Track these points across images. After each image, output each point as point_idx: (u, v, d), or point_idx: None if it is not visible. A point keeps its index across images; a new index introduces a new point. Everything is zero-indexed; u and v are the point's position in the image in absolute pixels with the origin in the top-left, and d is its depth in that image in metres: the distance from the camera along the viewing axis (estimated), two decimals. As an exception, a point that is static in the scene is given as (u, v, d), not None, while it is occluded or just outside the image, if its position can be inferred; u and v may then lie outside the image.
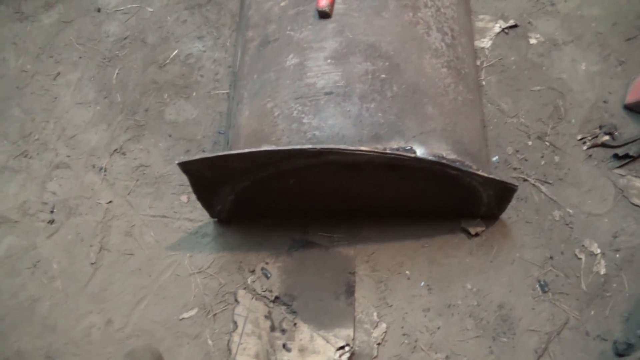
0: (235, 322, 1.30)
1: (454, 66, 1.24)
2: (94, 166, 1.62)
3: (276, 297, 1.34)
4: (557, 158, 1.48)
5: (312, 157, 1.05)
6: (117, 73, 1.76)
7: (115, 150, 1.64)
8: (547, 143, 1.50)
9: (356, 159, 1.05)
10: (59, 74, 1.78)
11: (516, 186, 1.20)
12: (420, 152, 1.08)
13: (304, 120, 1.13)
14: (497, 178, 1.15)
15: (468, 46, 1.34)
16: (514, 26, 1.68)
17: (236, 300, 1.36)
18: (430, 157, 1.07)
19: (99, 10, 1.89)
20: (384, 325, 1.32)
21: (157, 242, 1.50)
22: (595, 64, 1.60)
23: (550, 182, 1.45)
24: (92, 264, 1.48)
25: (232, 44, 1.76)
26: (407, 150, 1.06)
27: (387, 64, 1.16)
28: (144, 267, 1.47)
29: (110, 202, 1.56)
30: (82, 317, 1.42)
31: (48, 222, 1.55)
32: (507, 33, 1.68)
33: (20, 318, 1.44)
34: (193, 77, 1.74)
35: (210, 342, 1.35)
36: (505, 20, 1.69)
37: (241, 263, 1.44)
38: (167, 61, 1.77)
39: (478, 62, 1.63)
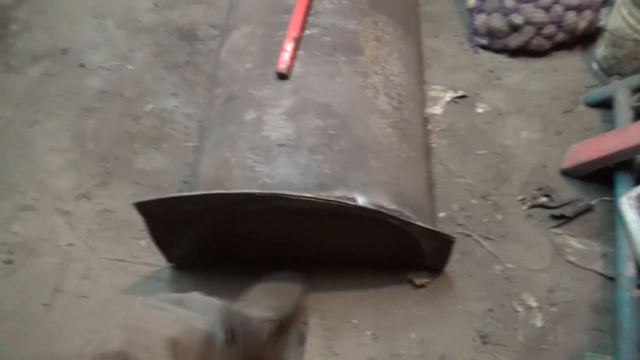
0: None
1: (399, 127, 1.36)
2: (58, 209, 1.67)
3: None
4: (499, 216, 1.58)
5: (260, 201, 1.13)
6: (93, 123, 1.86)
7: (82, 194, 1.70)
8: (490, 202, 1.60)
9: (302, 205, 1.13)
10: (36, 122, 1.87)
11: (454, 238, 1.28)
12: (361, 201, 1.17)
13: (257, 169, 1.21)
14: (435, 229, 1.23)
15: (415, 110, 1.48)
16: (464, 96, 1.85)
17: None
18: (370, 206, 1.16)
19: (82, 66, 2.02)
20: (329, 373, 1.34)
21: (113, 286, 1.52)
22: (536, 133, 1.75)
23: (492, 238, 1.54)
24: (44, 305, 1.49)
25: (204, 102, 1.89)
26: (349, 199, 1.15)
27: (336, 121, 1.28)
28: (96, 311, 1.48)
29: (71, 244, 1.60)
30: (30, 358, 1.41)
31: (5, 262, 1.57)
32: (457, 102, 1.84)
33: (-35, 359, 1.42)
34: (165, 130, 1.84)
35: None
36: (456, 90, 1.86)
37: (194, 308, 1.46)
38: (142, 114, 1.88)
39: (430, 127, 1.77)
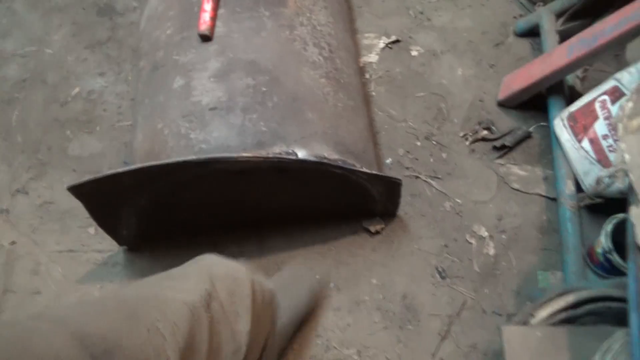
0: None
1: (333, 76, 1.34)
2: (-6, 209, 1.58)
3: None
4: (444, 155, 1.61)
5: (199, 167, 1.10)
6: (17, 114, 1.75)
7: (17, 190, 1.61)
8: (434, 142, 1.63)
9: (242, 166, 1.11)
10: (-46, 120, 1.75)
11: (399, 180, 1.29)
12: (302, 154, 1.16)
13: (191, 136, 1.18)
14: (379, 173, 1.24)
15: (347, 59, 1.46)
16: (397, 41, 1.84)
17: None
18: (312, 158, 1.15)
19: (-5, 55, 1.88)
20: (296, 329, 1.35)
21: (65, 277, 1.47)
22: (470, 69, 1.77)
23: (440, 177, 1.57)
24: (-5, 308, 1.43)
25: (133, 77, 1.80)
26: (289, 154, 1.14)
27: (267, 77, 1.24)
28: (51, 304, 1.43)
29: (14, 242, 1.53)
30: (-14, 365, 1.36)
31: (-54, 271, 1.49)
32: (391, 48, 1.83)
33: None
34: (96, 112, 1.75)
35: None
36: (389, 36, 1.85)
37: (153, 287, 1.44)
38: (69, 99, 1.78)
39: (367, 76, 1.77)
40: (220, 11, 1.34)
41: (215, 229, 1.44)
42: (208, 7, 1.31)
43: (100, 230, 1.49)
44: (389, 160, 1.59)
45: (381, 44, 1.83)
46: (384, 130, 1.65)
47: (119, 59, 1.87)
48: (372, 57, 1.81)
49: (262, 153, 1.13)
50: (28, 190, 1.61)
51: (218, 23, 1.32)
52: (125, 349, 0.66)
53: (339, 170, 1.18)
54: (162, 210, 1.27)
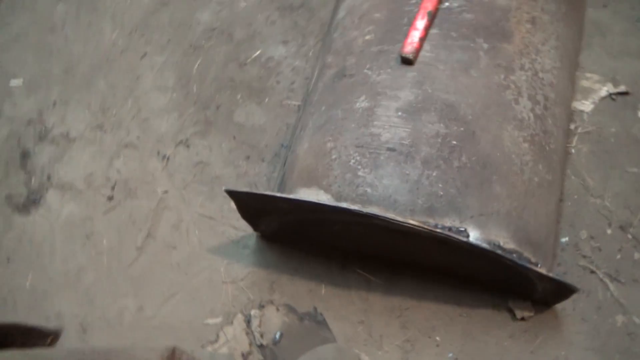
0: (217, 336, 1.30)
1: (538, 141, 1.12)
2: (158, 153, 1.67)
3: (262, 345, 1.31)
4: (637, 255, 1.31)
5: (357, 216, 1.00)
6: (199, 64, 1.79)
7: (181, 141, 1.67)
8: (629, 235, 1.33)
9: (403, 229, 0.98)
10: (145, 54, 1.84)
11: (577, 289, 1.07)
12: (474, 236, 0.99)
13: (359, 173, 1.07)
14: (557, 278, 1.03)
15: (561, 117, 1.21)
16: (624, 93, 1.49)
17: (249, 318, 1.36)
18: (484, 245, 0.98)
19: (196, -5, 1.91)
20: (400, 388, 1.26)
21: (200, 242, 1.52)
22: None
23: (622, 281, 1.29)
24: (137, 248, 1.54)
25: (314, 55, 1.72)
26: (461, 232, 0.98)
27: (462, 129, 1.07)
28: (182, 264, 1.50)
29: (166, 192, 1.61)
30: (119, 298, 1.49)
31: (107, 198, 1.63)
32: (614, 99, 1.49)
33: (66, 283, 1.54)
34: (269, 82, 1.72)
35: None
36: (616, 84, 1.50)
37: (273, 283, 1.43)
38: (248, 61, 1.76)
39: (572, 127, 1.47)
40: (433, 31, 1.16)
41: (351, 251, 1.36)
42: (421, 25, 1.14)
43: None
44: (565, 240, 1.34)
45: (603, 92, 1.50)
46: (571, 201, 1.39)
47: (306, 30, 1.78)
48: (586, 105, 1.49)
49: (430, 222, 0.99)
50: (190, 144, 1.67)
51: (425, 46, 1.15)
52: None
53: (510, 262, 1.00)
54: (304, 228, 1.21)
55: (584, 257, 1.33)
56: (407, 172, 1.04)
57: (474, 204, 1.02)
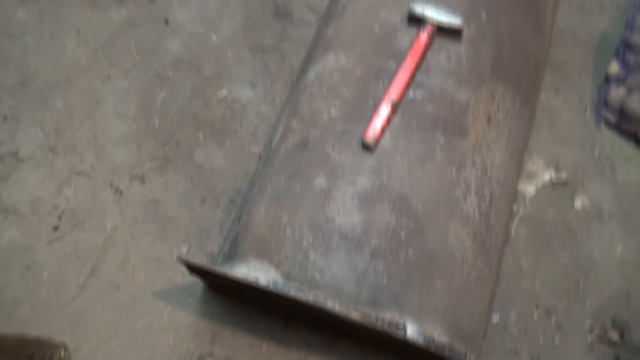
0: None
1: (480, 239, 1.19)
2: (111, 185, 1.64)
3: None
4: (557, 340, 1.42)
5: (303, 302, 1.03)
6: (163, 96, 1.76)
7: (137, 175, 1.65)
8: (553, 321, 1.44)
9: (346, 320, 1.03)
10: (109, 77, 1.79)
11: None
12: (411, 330, 1.05)
13: (310, 256, 1.10)
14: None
15: (505, 211, 1.29)
16: (565, 181, 1.60)
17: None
18: (419, 339, 1.04)
19: (167, 22, 1.88)
20: None
21: (145, 285, 1.51)
22: (633, 251, 1.52)
23: (542, 364, 1.40)
24: (79, 284, 1.51)
25: (280, 103, 1.74)
26: (399, 328, 1.03)
27: (411, 223, 1.12)
28: (124, 306, 1.48)
29: (116, 228, 1.58)
30: (55, 335, 1.45)
31: (53, 228, 1.58)
32: (554, 186, 1.60)
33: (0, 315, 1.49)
34: (233, 125, 1.72)
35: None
36: (558, 171, 1.61)
37: (215, 335, 1.44)
38: (214, 99, 1.76)
39: (515, 207, 1.57)
40: (395, 120, 1.21)
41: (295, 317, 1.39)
42: (384, 112, 1.19)
43: (192, 251, 1.51)
44: (496, 319, 1.43)
45: (546, 177, 1.61)
46: (506, 282, 1.48)
47: (275, 74, 1.79)
48: (529, 189, 1.59)
49: (372, 315, 1.04)
50: (145, 180, 1.65)
51: (387, 133, 1.19)
52: None
53: (442, 355, 1.06)
54: (252, 294, 1.23)
55: (511, 336, 1.43)
56: (356, 261, 1.09)
57: (414, 300, 1.08)
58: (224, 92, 1.76)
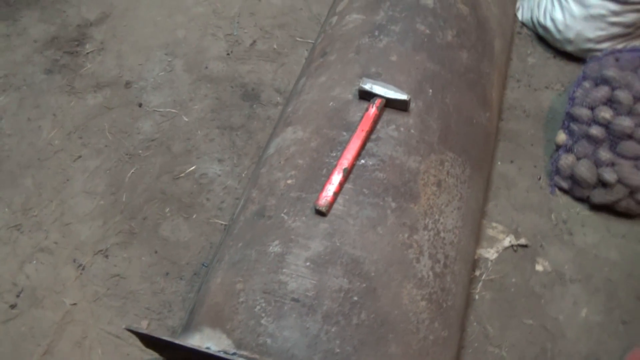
0: None
1: (436, 299, 1.19)
2: (74, 261, 1.63)
3: None
4: (529, 410, 1.37)
5: (253, 369, 1.00)
6: (132, 172, 1.81)
7: (100, 250, 1.65)
8: (523, 389, 1.40)
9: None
10: (80, 156, 1.85)
11: None
12: (366, 397, 1.01)
13: (262, 321, 1.09)
14: None
15: (461, 273, 1.30)
16: (525, 245, 1.63)
17: None
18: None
19: (140, 105, 1.98)
20: None
21: (102, 364, 1.46)
22: (597, 314, 1.51)
23: None
24: (32, 366, 1.45)
25: (247, 177, 1.79)
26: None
27: (364, 285, 1.13)
28: (77, 388, 1.42)
29: (75, 304, 1.55)
30: (0, 422, 1.37)
31: (10, 306, 1.55)
32: (515, 250, 1.63)
33: (-57, 401, 1.41)
34: (200, 198, 1.76)
35: None
36: (517, 236, 1.65)
37: (173, 417, 1.36)
38: (182, 175, 1.81)
39: (477, 273, 1.58)
40: (347, 186, 1.25)
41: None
42: (336, 180, 1.23)
43: (152, 327, 1.47)
44: (464, 389, 1.39)
45: (506, 242, 1.64)
46: (472, 348, 1.45)
47: (242, 151, 1.87)
48: (491, 254, 1.62)
49: (324, 382, 1.00)
50: (109, 255, 1.64)
51: (339, 199, 1.23)
52: None
53: None
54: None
55: (481, 408, 1.37)
56: (308, 325, 1.07)
57: (368, 365, 1.05)
58: (191, 168, 1.82)
